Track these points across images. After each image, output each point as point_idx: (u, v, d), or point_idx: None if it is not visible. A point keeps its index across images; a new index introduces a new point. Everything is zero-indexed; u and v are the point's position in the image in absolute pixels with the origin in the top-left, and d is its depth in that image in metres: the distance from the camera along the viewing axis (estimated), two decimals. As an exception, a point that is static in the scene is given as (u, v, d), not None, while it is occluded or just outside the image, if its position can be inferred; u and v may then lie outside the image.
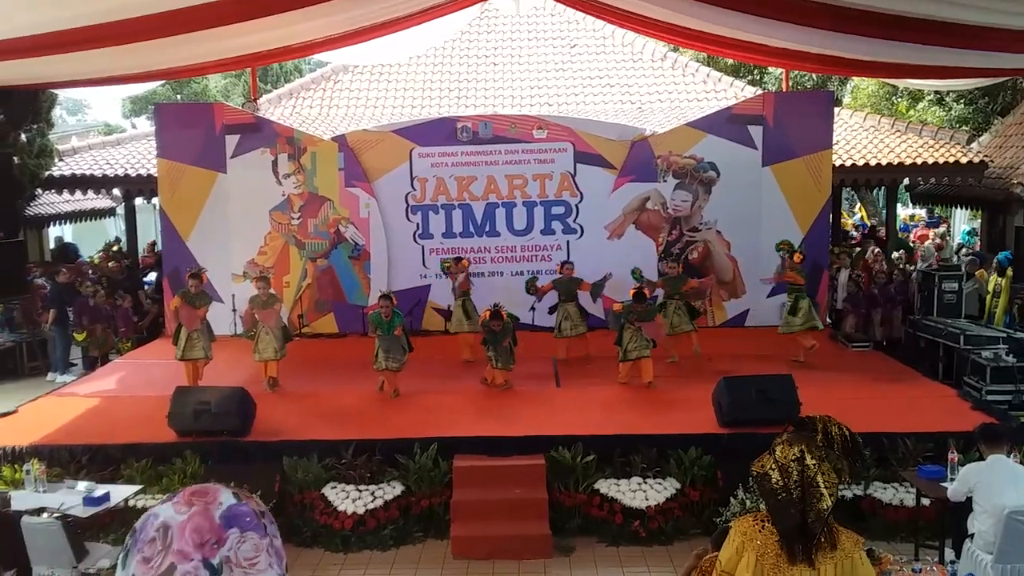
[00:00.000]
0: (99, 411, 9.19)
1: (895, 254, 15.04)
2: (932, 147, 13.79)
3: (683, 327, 10.63)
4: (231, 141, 12.67)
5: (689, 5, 8.67)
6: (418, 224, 12.76)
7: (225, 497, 1.28)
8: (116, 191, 15.65)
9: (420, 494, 7.56)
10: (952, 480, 6.18)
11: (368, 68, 16.38)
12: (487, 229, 12.77)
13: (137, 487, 7.09)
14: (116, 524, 7.25)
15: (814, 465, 2.80)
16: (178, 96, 27.96)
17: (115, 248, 17.58)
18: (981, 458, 6.02)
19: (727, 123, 12.64)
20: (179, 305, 9.71)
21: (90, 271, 14.89)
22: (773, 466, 2.84)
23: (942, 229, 18.83)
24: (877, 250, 14.22)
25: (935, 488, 6.55)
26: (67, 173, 13.93)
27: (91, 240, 20.65)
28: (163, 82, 24.74)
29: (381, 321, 9.38)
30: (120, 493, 6.79)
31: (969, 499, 5.89)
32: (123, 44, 8.13)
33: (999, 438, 6.01)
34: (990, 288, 12.17)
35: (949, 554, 6.43)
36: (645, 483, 7.52)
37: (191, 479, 7.51)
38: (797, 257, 10.59)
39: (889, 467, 7.50)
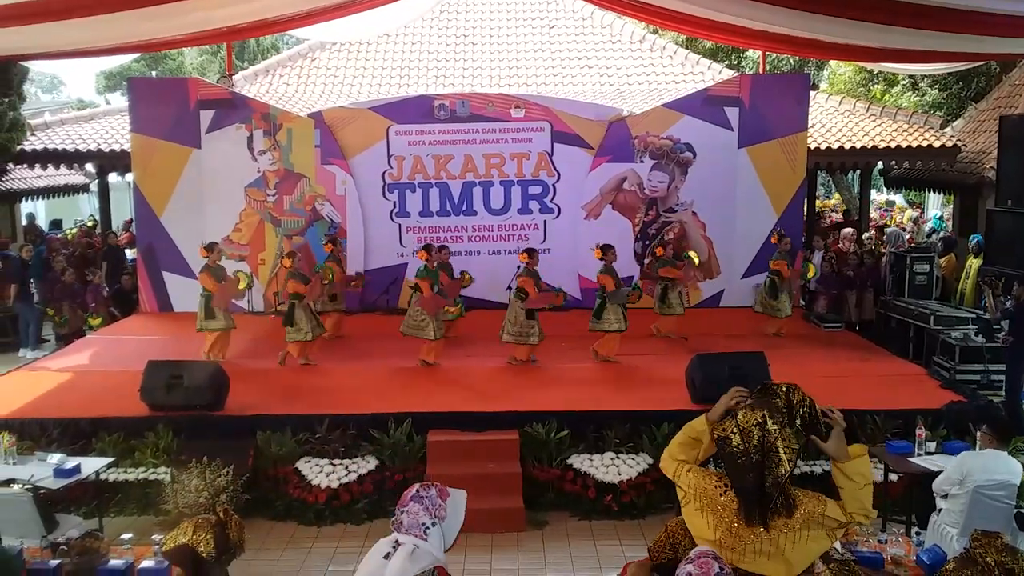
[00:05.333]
0: (71, 385, 9.11)
1: (866, 235, 15.19)
2: (906, 131, 13.91)
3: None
4: (206, 116, 12.54)
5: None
6: (395, 203, 12.72)
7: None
8: (89, 167, 15.47)
9: (394, 469, 7.57)
10: (938, 468, 6.09)
11: (345, 46, 16.25)
12: (464, 208, 12.76)
13: (108, 460, 7.04)
14: (88, 496, 7.24)
15: (775, 430, 2.83)
16: (153, 72, 27.63)
17: (90, 224, 17.44)
18: (961, 439, 6.03)
19: (704, 105, 12.68)
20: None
21: (63, 247, 14.73)
22: (735, 430, 2.88)
23: (915, 213, 19.00)
24: (849, 230, 14.32)
25: (903, 464, 6.65)
26: (39, 148, 13.73)
27: (67, 216, 20.52)
28: (138, 57, 24.48)
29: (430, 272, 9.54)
30: (91, 465, 6.72)
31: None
32: (97, 15, 7.98)
33: (1009, 436, 6.01)
34: (970, 270, 12.32)
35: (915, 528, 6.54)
36: (618, 458, 7.58)
37: (163, 453, 7.48)
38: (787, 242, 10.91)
39: (858, 443, 7.58)
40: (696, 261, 11.42)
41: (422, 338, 9.56)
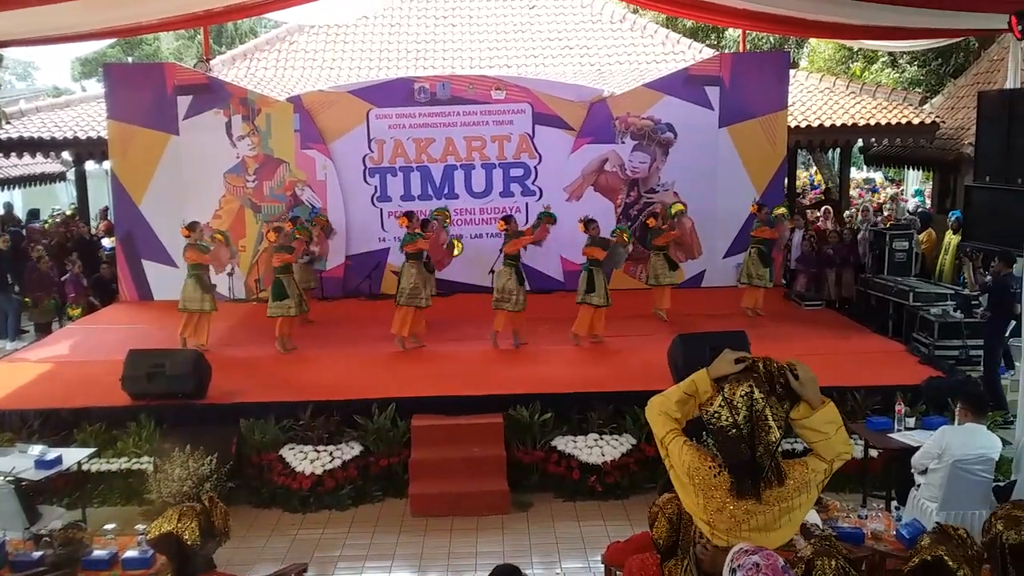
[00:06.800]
0: (51, 376, 9.05)
1: (846, 213, 15.27)
2: (885, 108, 13.96)
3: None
4: (183, 102, 12.42)
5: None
6: (376, 187, 12.66)
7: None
8: (66, 155, 15.29)
9: (379, 454, 7.58)
10: (917, 444, 6.12)
11: (324, 29, 16.11)
12: (445, 191, 12.71)
13: (91, 450, 7.01)
14: (70, 487, 7.21)
15: (762, 399, 2.85)
16: (129, 58, 27.29)
17: (69, 213, 17.27)
18: (940, 414, 6.06)
19: (684, 84, 12.67)
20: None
21: (41, 237, 14.58)
22: (722, 404, 2.88)
23: (893, 191, 19.10)
24: (827, 208, 14.40)
25: (883, 439, 6.72)
26: (14, 136, 13.54)
27: (45, 205, 20.28)
28: (113, 43, 24.16)
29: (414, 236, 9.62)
30: (73, 456, 6.70)
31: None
32: (71, 0, 7.87)
33: (985, 409, 6.07)
34: (949, 246, 12.41)
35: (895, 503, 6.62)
36: (601, 439, 7.62)
37: (146, 442, 7.45)
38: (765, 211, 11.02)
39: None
40: (683, 208, 11.41)
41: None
